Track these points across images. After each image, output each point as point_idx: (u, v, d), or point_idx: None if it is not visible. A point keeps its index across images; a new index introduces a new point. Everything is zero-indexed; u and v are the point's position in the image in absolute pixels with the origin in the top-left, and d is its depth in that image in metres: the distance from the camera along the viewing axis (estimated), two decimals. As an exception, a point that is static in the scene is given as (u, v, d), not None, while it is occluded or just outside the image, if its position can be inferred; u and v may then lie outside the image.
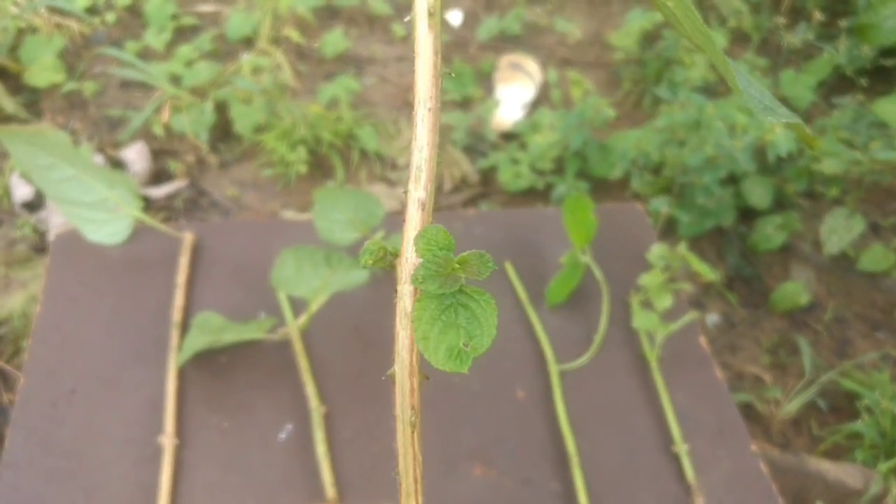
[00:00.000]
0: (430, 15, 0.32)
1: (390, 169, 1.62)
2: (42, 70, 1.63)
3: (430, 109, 0.31)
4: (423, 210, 0.33)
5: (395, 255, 0.34)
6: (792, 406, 1.17)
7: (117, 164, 1.50)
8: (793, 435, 1.18)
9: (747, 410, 1.20)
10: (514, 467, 0.75)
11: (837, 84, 1.68)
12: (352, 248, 0.83)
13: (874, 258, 1.36)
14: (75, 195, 0.82)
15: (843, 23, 1.66)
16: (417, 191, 0.32)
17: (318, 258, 0.73)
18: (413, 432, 0.33)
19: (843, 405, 1.22)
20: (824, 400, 1.21)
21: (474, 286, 0.33)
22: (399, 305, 0.33)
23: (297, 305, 0.82)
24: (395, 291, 0.33)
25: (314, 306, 0.77)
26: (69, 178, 0.81)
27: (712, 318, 1.34)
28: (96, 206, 0.84)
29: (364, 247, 0.33)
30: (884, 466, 1.09)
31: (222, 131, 1.63)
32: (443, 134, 1.64)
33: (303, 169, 1.53)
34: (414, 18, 0.31)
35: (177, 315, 0.81)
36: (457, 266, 0.32)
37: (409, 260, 0.32)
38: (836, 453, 1.16)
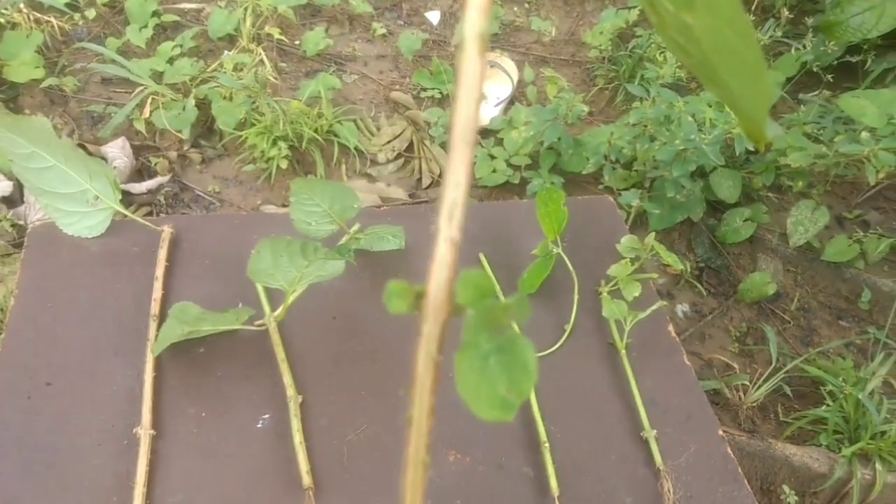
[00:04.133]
0: (481, 38, 0.28)
1: (370, 165, 1.63)
2: (21, 66, 1.63)
3: (468, 144, 0.30)
4: (455, 249, 0.31)
5: (422, 294, 0.33)
6: (759, 392, 1.21)
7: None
8: (760, 420, 1.22)
9: (716, 397, 1.23)
10: (487, 453, 0.77)
11: (805, 80, 1.72)
12: (328, 240, 0.85)
13: (838, 249, 1.40)
14: (54, 186, 0.83)
15: (810, 20, 1.71)
16: (451, 230, 0.31)
17: (294, 249, 0.74)
18: (424, 472, 0.34)
19: (808, 391, 1.26)
20: (790, 386, 1.24)
21: (516, 333, 0.33)
22: (423, 348, 0.32)
23: (276, 296, 0.84)
24: (419, 329, 0.33)
25: (291, 297, 0.79)
26: (49, 168, 0.82)
27: (682, 307, 1.37)
28: (75, 197, 0.84)
29: (389, 289, 0.32)
30: (847, 451, 1.13)
31: (204, 127, 1.64)
32: (422, 130, 1.65)
33: (283, 164, 1.54)
34: (462, 42, 0.28)
35: (155, 307, 0.82)
36: (502, 313, 0.32)
37: (437, 301, 0.31)
38: (801, 438, 1.20)
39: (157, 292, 0.83)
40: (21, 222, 1.37)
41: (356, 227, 0.88)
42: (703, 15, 0.24)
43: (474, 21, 0.28)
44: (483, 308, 0.33)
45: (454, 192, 0.33)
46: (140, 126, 1.58)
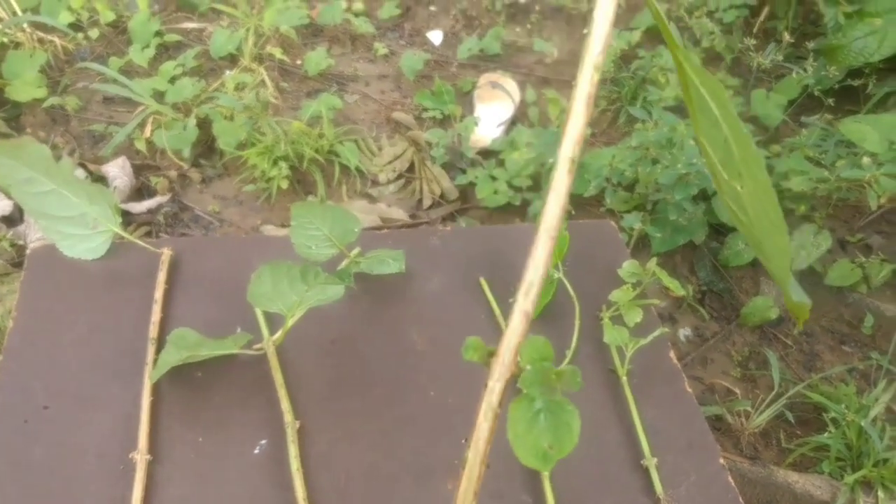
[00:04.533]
0: (571, 161, 0.35)
1: (371, 185, 1.63)
2: (24, 85, 1.63)
3: (552, 238, 0.34)
4: (527, 320, 0.35)
5: (493, 353, 0.36)
6: (761, 418, 1.20)
7: (99, 180, 1.51)
8: (762, 447, 1.21)
9: (718, 423, 1.22)
10: (486, 481, 0.76)
11: (807, 103, 1.73)
12: (328, 264, 0.84)
13: (841, 273, 1.39)
14: (54, 210, 0.83)
15: (812, 44, 1.71)
16: (525, 303, 0.35)
17: (294, 274, 0.74)
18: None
19: (810, 417, 1.24)
20: (793, 412, 1.23)
21: (564, 397, 0.36)
22: (486, 399, 0.35)
23: (274, 320, 0.83)
24: (485, 386, 0.35)
25: (290, 322, 0.78)
26: (48, 192, 0.82)
27: (684, 331, 1.37)
28: (75, 220, 0.84)
29: (467, 342, 0.35)
30: (850, 478, 1.11)
31: (205, 147, 1.64)
32: (423, 150, 1.66)
33: (284, 184, 1.54)
34: (556, 162, 0.34)
35: (153, 331, 0.81)
36: (555, 377, 0.35)
37: (505, 361, 0.34)
38: (803, 465, 1.19)
39: (156, 315, 0.83)
40: (21, 242, 1.37)
41: (356, 250, 0.87)
42: (747, 182, 0.28)
43: (568, 147, 0.33)
44: (541, 369, 0.35)
45: (533, 273, 0.35)
46: (141, 145, 1.59)
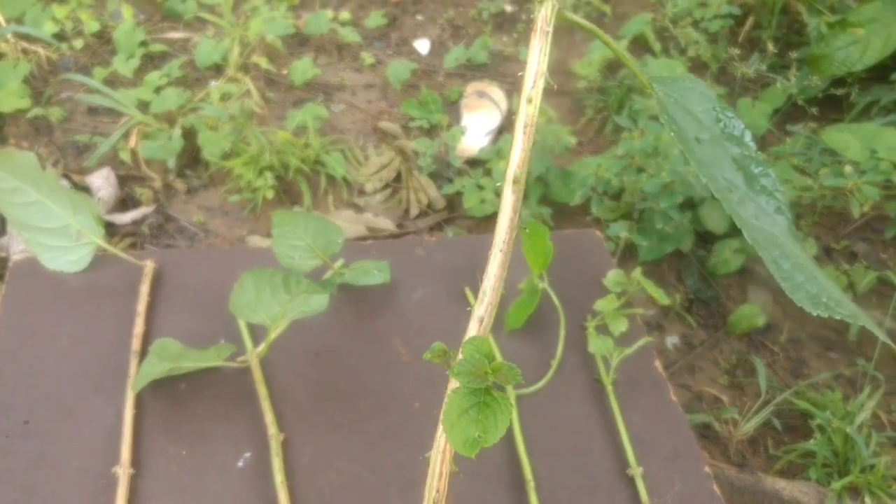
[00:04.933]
0: (515, 182, 0.41)
1: (357, 195, 1.63)
2: (7, 96, 1.62)
3: (502, 252, 0.40)
4: (481, 325, 0.40)
5: (453, 356, 0.41)
6: (749, 426, 1.20)
7: (83, 191, 1.50)
8: (750, 454, 1.21)
9: (706, 430, 1.22)
10: (471, 491, 0.76)
11: (791, 112, 1.74)
12: (312, 275, 0.84)
13: (827, 281, 1.40)
14: (37, 221, 0.82)
15: (795, 54, 1.73)
16: (479, 310, 0.40)
17: (276, 282, 0.74)
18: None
19: (797, 424, 1.25)
20: (780, 419, 1.24)
21: (500, 391, 0.39)
22: (448, 402, 0.39)
23: (258, 333, 0.83)
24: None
25: (273, 334, 0.78)
26: (32, 203, 0.82)
27: (672, 339, 1.37)
28: (58, 232, 0.84)
29: (432, 347, 0.40)
30: (837, 484, 1.12)
31: (190, 157, 1.63)
32: (410, 160, 1.66)
33: (270, 195, 1.54)
34: (503, 184, 0.40)
35: (136, 343, 0.81)
36: (489, 371, 0.38)
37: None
38: (791, 471, 1.19)
39: (139, 328, 0.83)
40: (3, 254, 1.36)
41: (340, 261, 0.87)
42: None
43: (512, 171, 0.38)
44: (473, 361, 0.37)
45: (487, 283, 0.39)
46: (125, 156, 1.58)
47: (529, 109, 0.39)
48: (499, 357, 0.86)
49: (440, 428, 0.39)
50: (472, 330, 0.38)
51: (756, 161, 0.43)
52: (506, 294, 0.92)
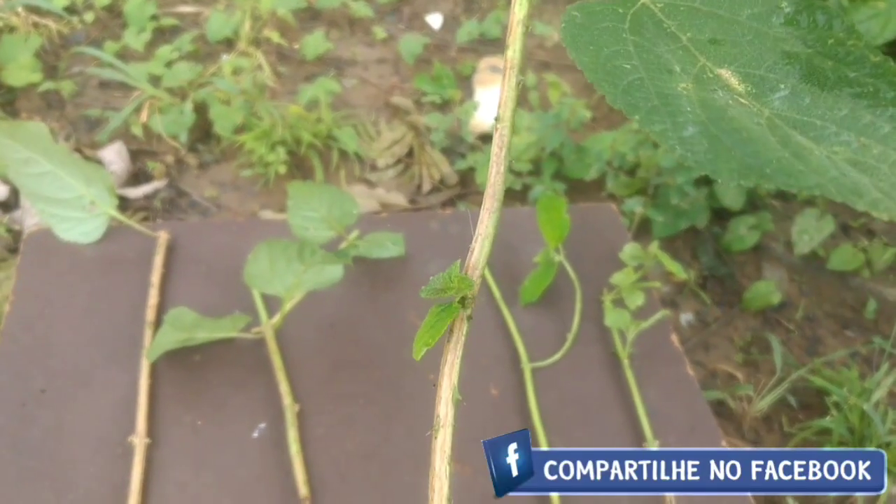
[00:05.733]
0: (499, 120, 0.39)
1: (370, 170, 1.62)
2: (19, 69, 1.62)
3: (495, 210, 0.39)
4: (480, 246, 0.40)
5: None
6: (763, 403, 1.19)
7: (94, 165, 1.49)
8: (764, 432, 1.20)
9: (720, 408, 1.21)
10: (480, 463, 0.76)
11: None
12: (326, 247, 0.84)
13: (844, 258, 1.39)
14: (50, 191, 0.82)
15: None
16: (479, 229, 0.39)
17: (291, 252, 0.73)
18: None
19: (813, 402, 1.24)
20: (795, 396, 1.23)
21: (461, 306, 0.38)
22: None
23: (273, 304, 0.83)
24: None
25: (288, 305, 0.78)
26: (45, 174, 0.81)
27: (686, 316, 1.36)
28: (71, 203, 0.83)
29: (429, 282, 0.37)
30: (853, 462, 1.11)
31: (202, 132, 1.62)
32: (422, 135, 1.64)
33: (282, 169, 1.53)
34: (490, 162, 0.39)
35: (150, 314, 0.81)
36: (451, 284, 0.37)
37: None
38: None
39: (153, 299, 0.82)
40: (17, 227, 1.36)
41: (355, 233, 0.86)
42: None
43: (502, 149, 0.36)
44: (442, 280, 0.36)
45: (479, 246, 0.38)
46: (137, 130, 1.57)
47: (509, 53, 0.39)
48: (513, 328, 0.86)
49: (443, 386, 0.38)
50: (474, 250, 0.38)
51: None
52: (521, 268, 0.92)
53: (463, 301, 0.37)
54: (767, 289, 1.36)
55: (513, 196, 1.53)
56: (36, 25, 1.75)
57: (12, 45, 1.64)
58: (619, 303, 0.86)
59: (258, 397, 0.77)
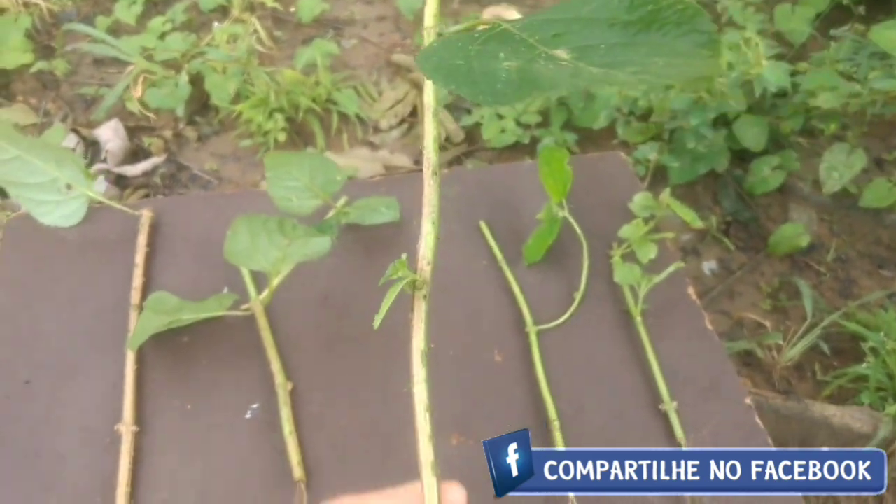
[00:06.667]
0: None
1: (372, 132, 1.57)
2: (10, 51, 1.58)
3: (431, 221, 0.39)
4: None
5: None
6: (794, 351, 1.14)
7: (92, 144, 1.46)
8: (796, 381, 1.15)
9: (748, 358, 1.16)
10: (493, 435, 0.72)
11: (835, 15, 1.60)
12: (314, 217, 0.79)
13: (878, 194, 1.30)
14: (21, 176, 0.78)
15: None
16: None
17: (271, 227, 0.69)
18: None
19: (847, 348, 1.18)
20: (828, 343, 1.16)
21: None
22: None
23: (263, 279, 0.79)
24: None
25: (275, 280, 0.74)
26: (12, 159, 0.77)
27: (709, 265, 1.30)
28: (45, 187, 0.80)
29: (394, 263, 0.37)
30: (893, 408, 1.05)
31: (199, 104, 1.58)
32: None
33: (282, 137, 1.48)
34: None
35: (135, 297, 0.77)
36: (398, 273, 0.38)
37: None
38: (841, 397, 1.13)
39: (138, 280, 0.79)
40: (10, 213, 1.34)
41: (343, 200, 0.81)
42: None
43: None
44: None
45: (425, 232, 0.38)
46: (133, 106, 1.53)
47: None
48: (517, 290, 0.81)
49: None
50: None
51: None
52: (525, 225, 0.87)
53: (413, 285, 0.38)
54: (795, 231, 1.28)
55: (522, 150, 1.47)
56: (26, 5, 1.71)
57: (2, 27, 1.61)
58: (631, 257, 0.81)
59: (250, 377, 0.73)
